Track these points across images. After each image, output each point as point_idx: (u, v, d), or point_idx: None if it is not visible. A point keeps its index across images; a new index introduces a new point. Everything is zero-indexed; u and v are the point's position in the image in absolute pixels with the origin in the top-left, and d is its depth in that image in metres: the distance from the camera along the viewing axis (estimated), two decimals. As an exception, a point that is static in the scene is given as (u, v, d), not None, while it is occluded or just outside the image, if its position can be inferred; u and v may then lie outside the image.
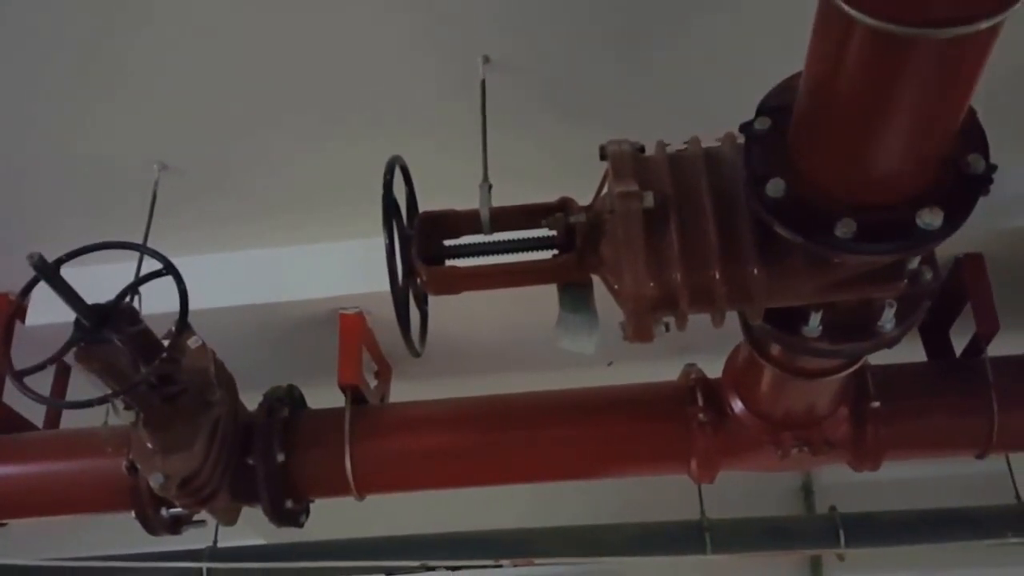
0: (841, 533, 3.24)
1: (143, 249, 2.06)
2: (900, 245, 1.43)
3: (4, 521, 2.70)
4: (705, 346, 2.43)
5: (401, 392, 3.08)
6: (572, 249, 1.72)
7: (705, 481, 2.59)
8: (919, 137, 1.35)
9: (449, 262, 1.79)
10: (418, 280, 1.76)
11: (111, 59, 2.17)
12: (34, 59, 2.17)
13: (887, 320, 1.72)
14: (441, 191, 1.95)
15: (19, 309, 2.73)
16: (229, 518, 2.57)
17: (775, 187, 1.48)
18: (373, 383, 2.98)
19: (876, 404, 2.39)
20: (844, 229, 1.42)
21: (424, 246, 1.76)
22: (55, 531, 3.50)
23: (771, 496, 4.34)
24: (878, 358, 2.41)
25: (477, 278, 1.76)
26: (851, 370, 2.07)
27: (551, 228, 1.73)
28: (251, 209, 2.66)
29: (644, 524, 3.50)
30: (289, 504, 2.50)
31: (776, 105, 1.56)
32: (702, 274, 1.60)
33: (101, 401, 1.89)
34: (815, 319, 1.73)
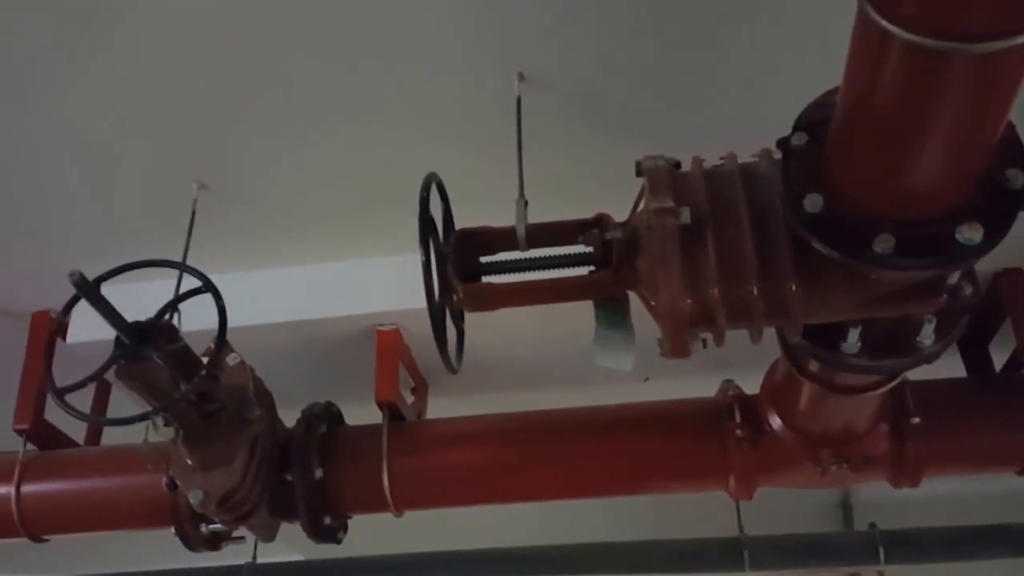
0: (881, 550, 3.19)
1: (182, 267, 2.08)
2: (939, 260, 1.42)
3: (46, 537, 2.73)
4: (743, 362, 2.41)
5: (438, 408, 3.09)
6: (608, 265, 1.72)
7: (743, 498, 2.57)
8: (957, 152, 1.35)
9: (485, 279, 1.80)
10: (455, 297, 1.77)
11: (150, 79, 2.21)
12: (72, 81, 2.22)
13: (926, 336, 1.71)
14: (477, 208, 1.96)
15: (60, 327, 2.78)
16: (268, 534, 2.59)
17: (812, 203, 1.47)
18: (410, 399, 3.00)
19: (916, 420, 2.36)
20: (882, 245, 1.42)
21: (460, 263, 1.78)
22: (95, 547, 3.55)
23: (809, 512, 4.31)
24: (917, 373, 2.39)
25: (514, 295, 1.77)
26: (890, 386, 2.05)
27: (587, 244, 1.73)
28: (288, 226, 2.69)
29: (680, 541, 3.47)
30: (327, 520, 2.52)
31: (813, 120, 1.56)
32: (740, 290, 1.60)
33: (142, 418, 1.92)
34: (854, 335, 1.72)
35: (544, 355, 3.20)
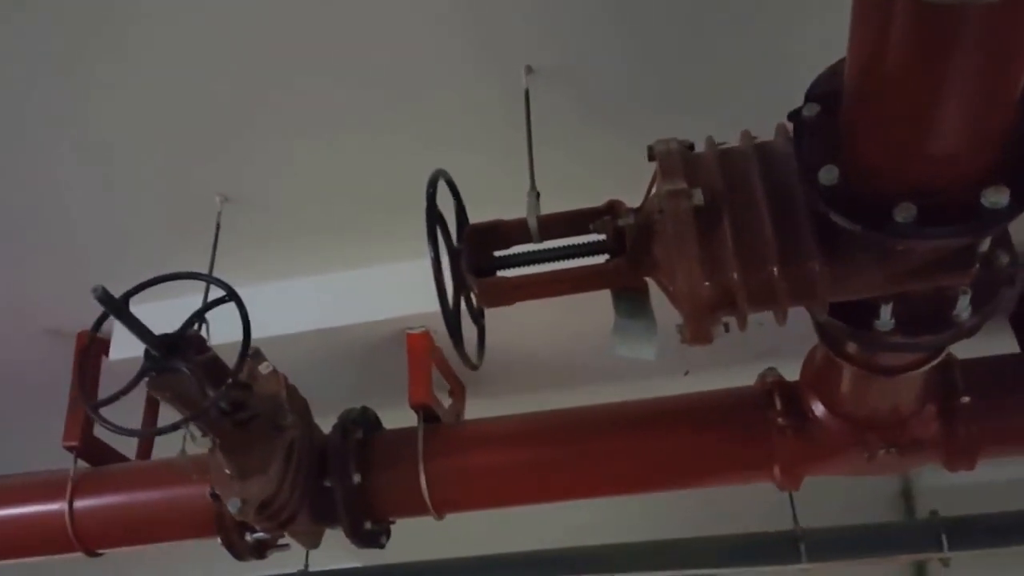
0: (944, 538, 3.09)
1: (206, 278, 2.10)
2: (965, 228, 1.35)
3: (101, 551, 2.78)
4: (785, 350, 2.36)
5: (479, 410, 3.07)
6: (623, 253, 1.68)
7: (790, 488, 2.50)
8: (977, 112, 1.28)
9: (501, 273, 1.78)
10: (471, 293, 1.75)
11: (171, 96, 2.24)
12: (96, 97, 2.25)
13: (963, 309, 1.63)
14: (493, 204, 1.94)
15: (98, 344, 2.83)
16: (311, 541, 2.60)
17: (828, 174, 1.42)
18: (448, 402, 2.99)
19: (966, 399, 2.26)
20: (904, 214, 1.36)
21: (474, 258, 1.75)
22: (150, 560, 3.61)
23: (869, 502, 4.18)
24: (967, 352, 2.31)
25: (528, 287, 1.74)
26: (933, 364, 1.96)
27: (599, 232, 1.70)
28: (313, 235, 2.71)
29: (734, 536, 3.41)
30: (368, 525, 2.52)
31: (825, 90, 1.50)
32: (760, 271, 1.55)
33: (173, 428, 1.93)
34: (886, 312, 1.65)
35: (584, 351, 3.15)
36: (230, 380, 1.98)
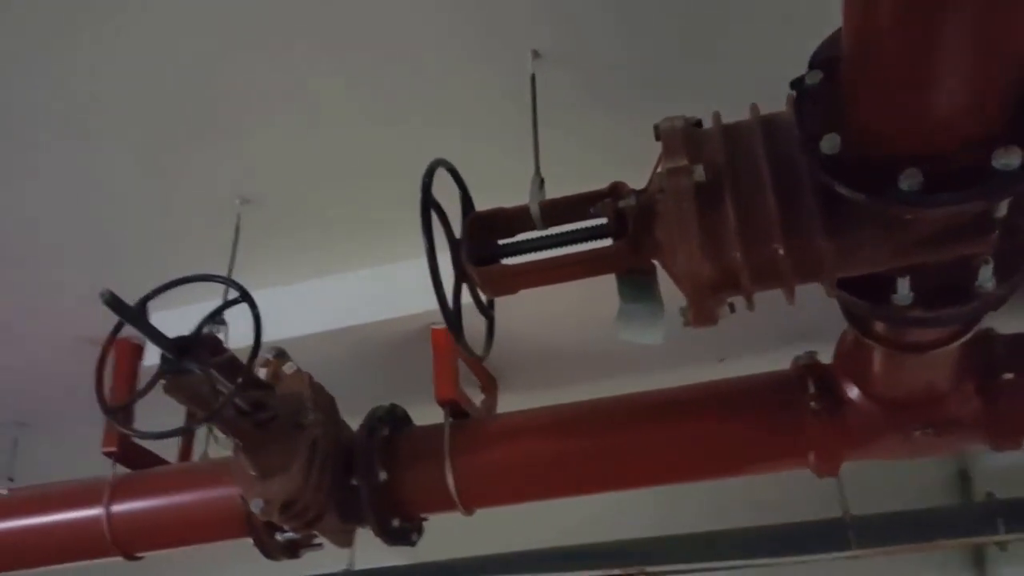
0: (1000, 521, 2.98)
1: (218, 279, 2.10)
2: (975, 192, 1.28)
3: (139, 555, 2.81)
4: (825, 331, 2.28)
5: (514, 405, 3.02)
6: (625, 235, 1.63)
7: (827, 474, 2.41)
8: (980, 67, 1.21)
9: (505, 261, 1.74)
10: (473, 282, 1.72)
11: (189, 99, 2.25)
12: (117, 104, 2.27)
13: (985, 279, 1.54)
14: (508, 192, 1.90)
15: (132, 349, 2.87)
16: (342, 539, 2.59)
17: (830, 143, 1.36)
18: (480, 397, 2.96)
19: (1008, 376, 2.16)
20: (910, 181, 1.29)
21: (476, 248, 1.72)
22: (199, 560, 3.65)
23: (925, 486, 4.05)
24: (1011, 327, 2.20)
25: (529, 275, 1.70)
26: (965, 339, 1.87)
27: (600, 215, 1.65)
28: (334, 234, 2.71)
29: (781, 525, 3.33)
30: (396, 523, 2.49)
31: (828, 56, 1.44)
32: (763, 248, 1.49)
33: (185, 430, 1.95)
34: (903, 286, 1.57)
35: (617, 342, 3.11)
36: (240, 380, 1.97)
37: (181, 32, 2.11)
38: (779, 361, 2.49)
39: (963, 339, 1.87)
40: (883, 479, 3.52)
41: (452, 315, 1.75)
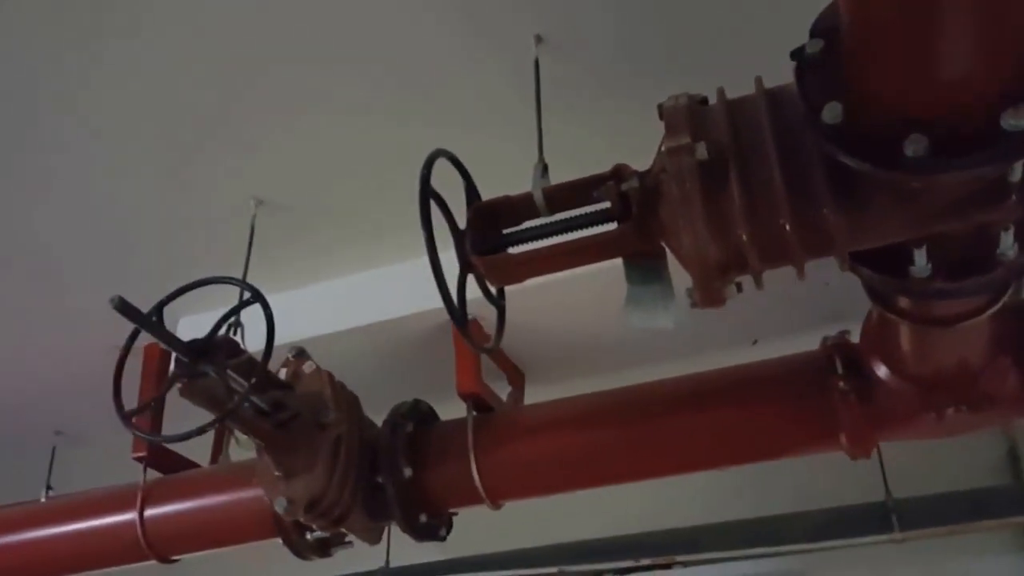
0: (1047, 501, 2.89)
1: (232, 281, 2.10)
2: (985, 156, 1.22)
3: (174, 558, 2.83)
4: (857, 311, 2.22)
5: (543, 397, 3.00)
6: (629, 218, 1.59)
7: (860, 456, 2.34)
8: (987, 25, 1.15)
9: (512, 250, 1.71)
10: (479, 273, 1.69)
11: (204, 102, 2.25)
12: (131, 107, 2.29)
13: (1007, 246, 1.48)
14: (515, 185, 1.88)
15: (162, 354, 2.89)
16: (371, 537, 2.58)
17: (832, 112, 1.31)
18: (507, 391, 2.94)
19: (1049, 348, 2.08)
20: (915, 147, 1.24)
21: (480, 238, 1.69)
22: (238, 561, 3.68)
23: (972, 468, 3.94)
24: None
25: (534, 263, 1.67)
26: (994, 310, 1.79)
27: (603, 198, 1.61)
28: (351, 232, 2.70)
29: (821, 511, 3.27)
30: (424, 519, 2.48)
31: (829, 25, 1.39)
32: (770, 226, 1.44)
33: (200, 432, 1.93)
34: (920, 257, 1.52)
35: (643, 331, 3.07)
36: (253, 380, 1.96)
37: (196, 39, 2.12)
38: (815, 342, 2.43)
39: (992, 310, 1.79)
40: (929, 462, 3.43)
41: (455, 308, 1.73)
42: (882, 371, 2.17)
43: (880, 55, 1.23)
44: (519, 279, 1.71)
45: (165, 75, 2.22)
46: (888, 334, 2.06)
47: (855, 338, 2.31)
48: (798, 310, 3.04)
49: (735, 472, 2.69)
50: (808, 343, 2.43)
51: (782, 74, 1.57)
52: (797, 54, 1.40)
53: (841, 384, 2.22)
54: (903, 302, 1.84)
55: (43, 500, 3.30)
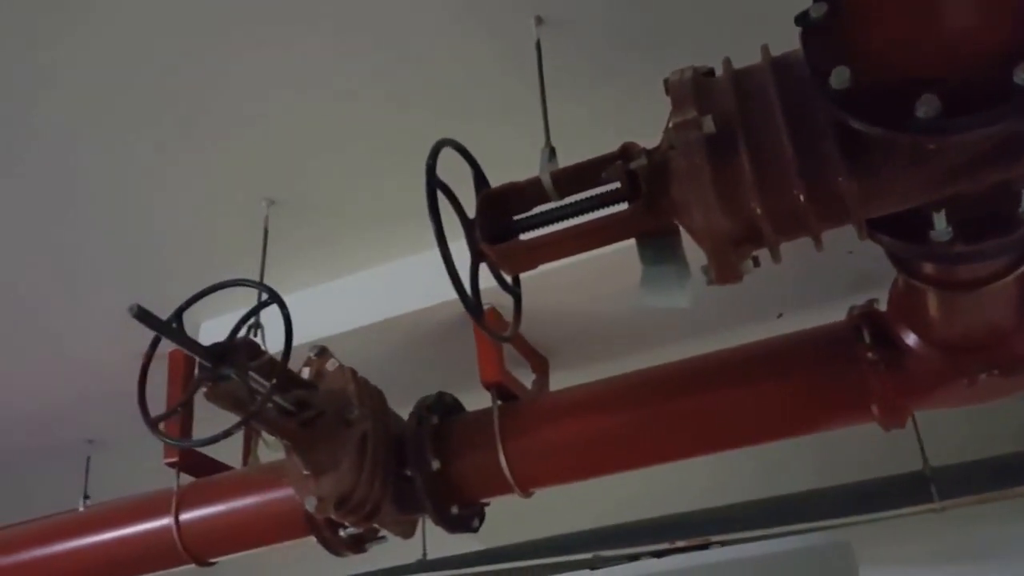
0: (1088, 465, 2.83)
1: (248, 283, 2.10)
2: (998, 113, 1.19)
3: (211, 560, 2.85)
4: (885, 279, 2.17)
5: (568, 383, 2.98)
6: (639, 198, 1.57)
7: (894, 426, 2.30)
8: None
9: (523, 236, 1.69)
10: (491, 261, 1.68)
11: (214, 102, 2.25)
12: (139, 111, 2.30)
13: (1029, 203, 1.45)
14: (520, 167, 1.85)
15: (187, 359, 2.90)
16: (404, 531, 2.58)
17: (840, 77, 1.28)
18: (532, 378, 2.93)
19: (1083, 307, 2.03)
20: (926, 107, 1.21)
21: (490, 225, 1.67)
22: (279, 559, 3.71)
23: (1015, 434, 3.88)
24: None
25: (545, 248, 1.65)
26: (1019, 272, 1.75)
27: (611, 179, 1.58)
28: (365, 228, 2.69)
29: (859, 483, 3.23)
30: (455, 510, 2.48)
31: (834, -13, 1.35)
32: (783, 196, 1.41)
33: (225, 435, 1.94)
34: (940, 220, 1.48)
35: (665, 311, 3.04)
36: (274, 380, 1.96)
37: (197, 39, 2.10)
38: (842, 312, 2.39)
39: (1017, 272, 1.75)
40: (968, 430, 3.38)
41: (469, 298, 1.71)
42: (911, 339, 2.13)
43: (885, 10, 1.20)
44: (532, 265, 1.69)
45: (169, 75, 2.21)
46: (915, 301, 2.02)
47: (883, 306, 2.28)
48: (822, 280, 2.99)
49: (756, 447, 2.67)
50: (835, 314, 2.39)
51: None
52: (802, 19, 1.37)
53: (870, 354, 2.18)
54: (927, 268, 1.80)
55: (81, 509, 3.34)
